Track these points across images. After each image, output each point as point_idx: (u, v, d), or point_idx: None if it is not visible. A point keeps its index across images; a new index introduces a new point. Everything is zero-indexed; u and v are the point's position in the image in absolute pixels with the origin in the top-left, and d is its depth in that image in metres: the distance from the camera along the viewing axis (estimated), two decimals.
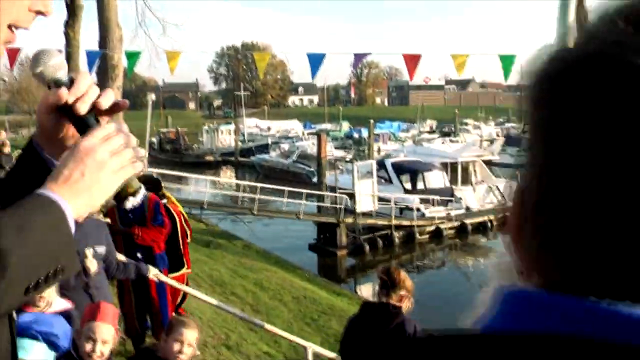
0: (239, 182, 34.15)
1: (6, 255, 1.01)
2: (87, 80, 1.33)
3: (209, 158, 62.32)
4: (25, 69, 55.26)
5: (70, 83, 1.33)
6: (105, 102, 1.31)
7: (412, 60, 9.08)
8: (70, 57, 21.79)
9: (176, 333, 3.78)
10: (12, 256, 1.02)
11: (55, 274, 1.09)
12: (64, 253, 1.12)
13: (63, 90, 1.29)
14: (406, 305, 4.50)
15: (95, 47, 16.58)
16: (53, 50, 1.36)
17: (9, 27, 1.27)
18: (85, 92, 1.30)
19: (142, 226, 7.27)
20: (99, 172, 1.17)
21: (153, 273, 6.03)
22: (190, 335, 3.83)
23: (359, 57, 9.51)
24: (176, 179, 32.39)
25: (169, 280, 7.13)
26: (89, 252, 4.68)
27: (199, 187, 29.36)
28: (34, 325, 3.32)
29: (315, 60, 9.48)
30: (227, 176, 52.95)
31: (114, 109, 1.35)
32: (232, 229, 26.13)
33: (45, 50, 1.36)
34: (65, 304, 3.97)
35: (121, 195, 1.28)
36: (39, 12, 1.30)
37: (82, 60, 16.81)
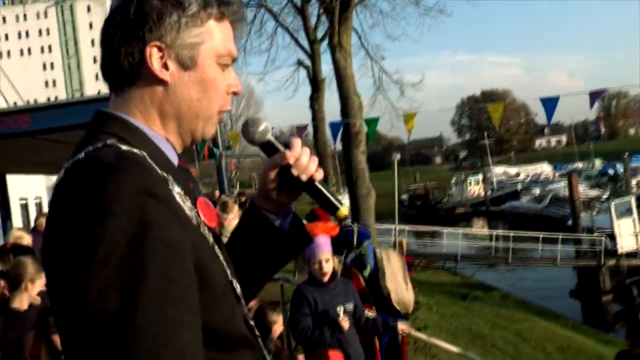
0: (491, 231, 33.73)
1: None
2: (299, 143, 1.55)
3: (460, 210, 62.11)
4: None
5: (286, 146, 1.55)
6: (319, 176, 1.56)
7: None
8: (317, 129, 23.54)
9: None
10: None
11: None
12: None
13: (288, 153, 1.52)
14: None
15: (337, 117, 17.71)
16: (259, 118, 1.58)
17: (219, 112, 1.47)
18: (302, 155, 1.52)
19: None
20: None
21: (401, 327, 6.32)
22: None
23: (595, 96, 9.26)
24: (429, 234, 32.89)
25: (418, 334, 7.46)
26: (340, 310, 5.21)
27: (452, 240, 29.46)
28: None
29: (550, 104, 9.42)
30: (479, 226, 52.35)
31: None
32: (488, 280, 25.85)
33: (252, 118, 1.59)
34: None
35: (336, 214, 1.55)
36: (234, 93, 1.49)
37: (327, 131, 17.92)
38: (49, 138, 8.16)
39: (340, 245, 7.62)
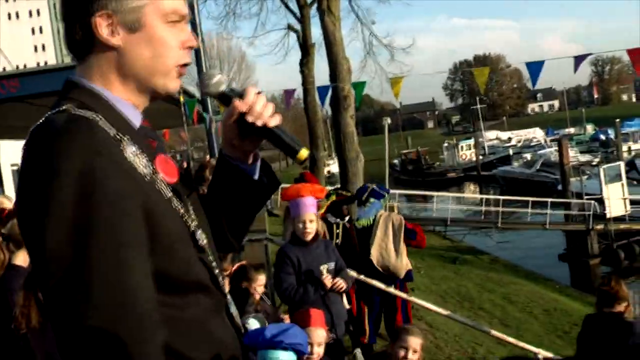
0: (481, 196, 33.89)
1: None
2: (253, 91, 1.62)
3: (451, 175, 62.22)
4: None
5: (241, 97, 1.62)
6: (273, 122, 1.61)
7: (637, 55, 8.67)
8: (307, 93, 23.44)
9: (401, 340, 4.20)
10: None
11: None
12: None
13: (238, 102, 1.61)
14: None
15: (327, 82, 17.67)
16: (213, 71, 1.66)
17: (179, 66, 1.54)
18: (254, 102, 1.59)
19: None
20: None
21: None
22: (414, 342, 4.21)
23: (579, 60, 9.24)
24: (420, 198, 33.03)
25: (399, 293, 7.60)
26: (323, 269, 5.31)
27: (443, 204, 29.59)
28: (283, 338, 3.72)
29: (535, 67, 9.38)
30: (471, 191, 52.56)
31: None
32: (477, 244, 26.04)
33: (207, 72, 1.68)
34: None
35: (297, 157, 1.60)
36: (190, 47, 1.58)
37: (317, 95, 17.88)
38: (38, 103, 8.15)
39: (342, 205, 7.97)
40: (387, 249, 7.74)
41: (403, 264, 7.88)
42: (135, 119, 1.52)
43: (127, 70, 1.49)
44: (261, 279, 5.68)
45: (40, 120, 1.38)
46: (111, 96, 1.48)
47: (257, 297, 5.60)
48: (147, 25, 1.48)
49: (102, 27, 1.45)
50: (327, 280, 5.25)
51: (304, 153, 1.60)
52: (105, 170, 1.27)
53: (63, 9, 1.50)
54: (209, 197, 1.75)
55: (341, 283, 5.37)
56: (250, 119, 1.59)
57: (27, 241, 1.30)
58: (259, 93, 1.63)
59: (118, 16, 1.45)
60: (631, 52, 8.67)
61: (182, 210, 1.48)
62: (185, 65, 1.56)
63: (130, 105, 1.52)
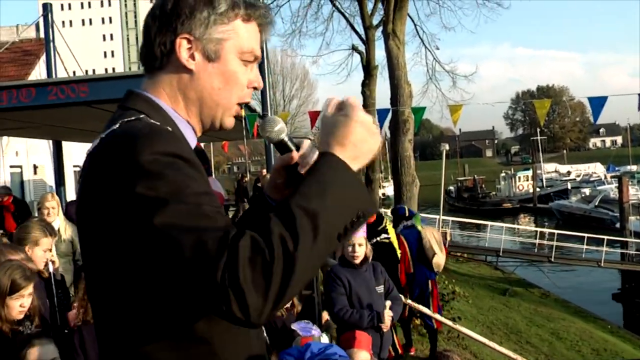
0: (536, 229, 33.34)
1: (316, 216, 1.28)
2: (309, 145, 1.65)
3: (507, 205, 61.37)
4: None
5: (297, 147, 1.67)
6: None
7: None
8: (367, 114, 23.50)
9: None
10: (322, 215, 1.29)
11: (358, 218, 1.37)
12: (360, 200, 1.38)
13: (294, 154, 1.64)
14: None
15: (389, 104, 17.73)
16: (277, 118, 1.69)
17: (238, 104, 1.65)
18: (308, 155, 1.61)
19: None
20: (364, 136, 1.46)
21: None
22: None
23: None
24: (474, 226, 32.68)
25: (444, 320, 7.66)
26: (388, 304, 5.48)
27: (496, 234, 29.22)
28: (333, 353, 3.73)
29: (597, 103, 9.29)
30: (525, 223, 51.70)
31: None
32: (529, 277, 25.62)
33: (270, 117, 1.69)
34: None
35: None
36: (255, 88, 1.67)
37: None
38: (105, 108, 8.41)
39: (379, 223, 8.84)
40: (436, 250, 9.19)
41: (443, 261, 9.51)
42: (192, 140, 1.61)
43: (193, 95, 1.59)
44: None
45: (115, 126, 1.45)
46: (174, 114, 1.58)
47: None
48: (223, 57, 1.57)
49: (184, 48, 1.54)
50: (388, 317, 5.39)
51: None
52: (185, 167, 1.36)
53: (149, 22, 1.59)
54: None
55: (393, 315, 5.56)
56: (302, 170, 1.61)
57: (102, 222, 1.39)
58: (314, 144, 1.66)
59: (200, 42, 1.55)
60: None
61: None
62: (245, 103, 1.66)
63: (189, 127, 1.62)
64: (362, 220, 1.38)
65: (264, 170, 17.46)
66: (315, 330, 4.50)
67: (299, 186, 1.35)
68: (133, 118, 1.48)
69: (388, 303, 5.49)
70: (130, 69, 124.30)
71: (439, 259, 9.19)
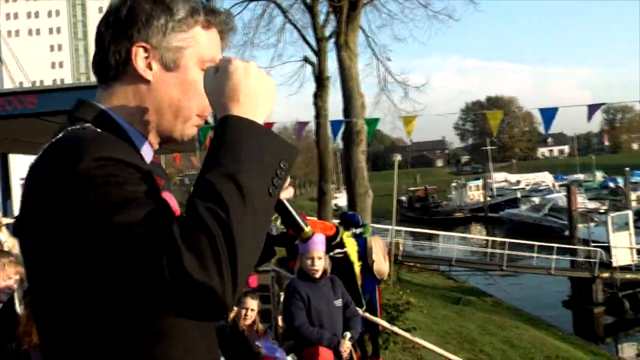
0: (487, 238, 33.78)
1: (235, 176, 1.19)
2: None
3: (458, 214, 62.21)
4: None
5: None
6: (286, 194, 1.48)
7: None
8: (319, 126, 23.55)
9: None
10: (241, 174, 1.19)
11: (282, 167, 1.27)
12: (278, 148, 1.29)
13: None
14: None
15: (341, 115, 17.78)
16: None
17: (198, 115, 1.53)
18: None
19: None
20: (254, 82, 1.34)
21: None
22: None
23: (593, 109, 9.32)
24: (426, 236, 32.94)
25: (402, 332, 7.66)
26: (346, 335, 5.45)
27: (448, 244, 29.54)
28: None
29: (548, 114, 9.47)
30: (477, 232, 52.42)
31: None
32: (481, 286, 25.93)
33: None
34: None
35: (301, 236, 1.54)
36: None
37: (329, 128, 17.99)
38: (53, 120, 8.23)
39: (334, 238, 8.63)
40: (379, 258, 9.70)
41: (387, 269, 10.15)
42: (148, 154, 1.51)
43: (151, 106, 1.49)
44: (251, 304, 5.78)
45: (61, 135, 1.36)
46: (129, 127, 1.48)
47: (248, 321, 5.68)
48: (183, 66, 1.48)
49: (140, 57, 1.45)
50: (346, 347, 5.36)
51: (308, 232, 1.55)
52: (128, 173, 1.26)
53: (102, 30, 1.48)
54: None
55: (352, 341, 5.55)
56: None
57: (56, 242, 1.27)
58: None
59: (158, 51, 1.46)
60: None
61: None
62: (207, 115, 1.57)
63: (145, 141, 1.51)
64: (288, 167, 1.30)
65: None
66: (280, 354, 4.44)
67: (206, 158, 1.26)
68: (78, 127, 1.39)
69: (347, 334, 5.43)
70: (79, 79, 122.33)
71: (381, 267, 9.67)
